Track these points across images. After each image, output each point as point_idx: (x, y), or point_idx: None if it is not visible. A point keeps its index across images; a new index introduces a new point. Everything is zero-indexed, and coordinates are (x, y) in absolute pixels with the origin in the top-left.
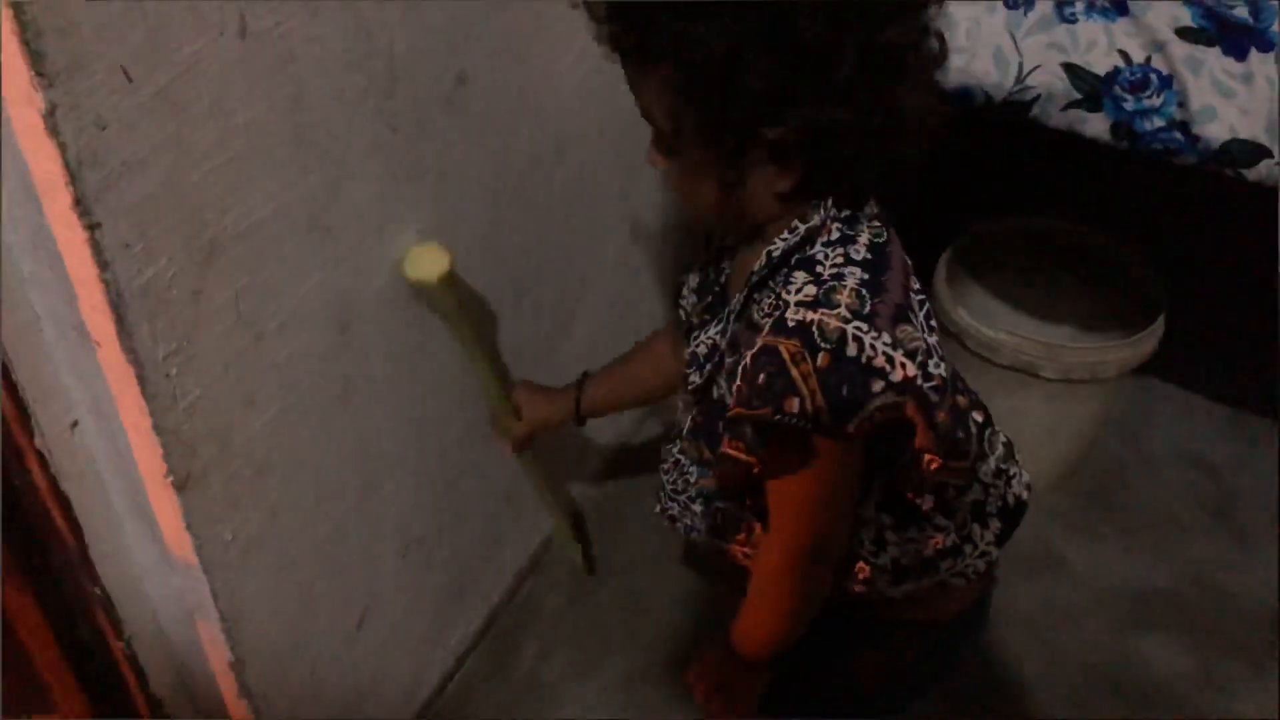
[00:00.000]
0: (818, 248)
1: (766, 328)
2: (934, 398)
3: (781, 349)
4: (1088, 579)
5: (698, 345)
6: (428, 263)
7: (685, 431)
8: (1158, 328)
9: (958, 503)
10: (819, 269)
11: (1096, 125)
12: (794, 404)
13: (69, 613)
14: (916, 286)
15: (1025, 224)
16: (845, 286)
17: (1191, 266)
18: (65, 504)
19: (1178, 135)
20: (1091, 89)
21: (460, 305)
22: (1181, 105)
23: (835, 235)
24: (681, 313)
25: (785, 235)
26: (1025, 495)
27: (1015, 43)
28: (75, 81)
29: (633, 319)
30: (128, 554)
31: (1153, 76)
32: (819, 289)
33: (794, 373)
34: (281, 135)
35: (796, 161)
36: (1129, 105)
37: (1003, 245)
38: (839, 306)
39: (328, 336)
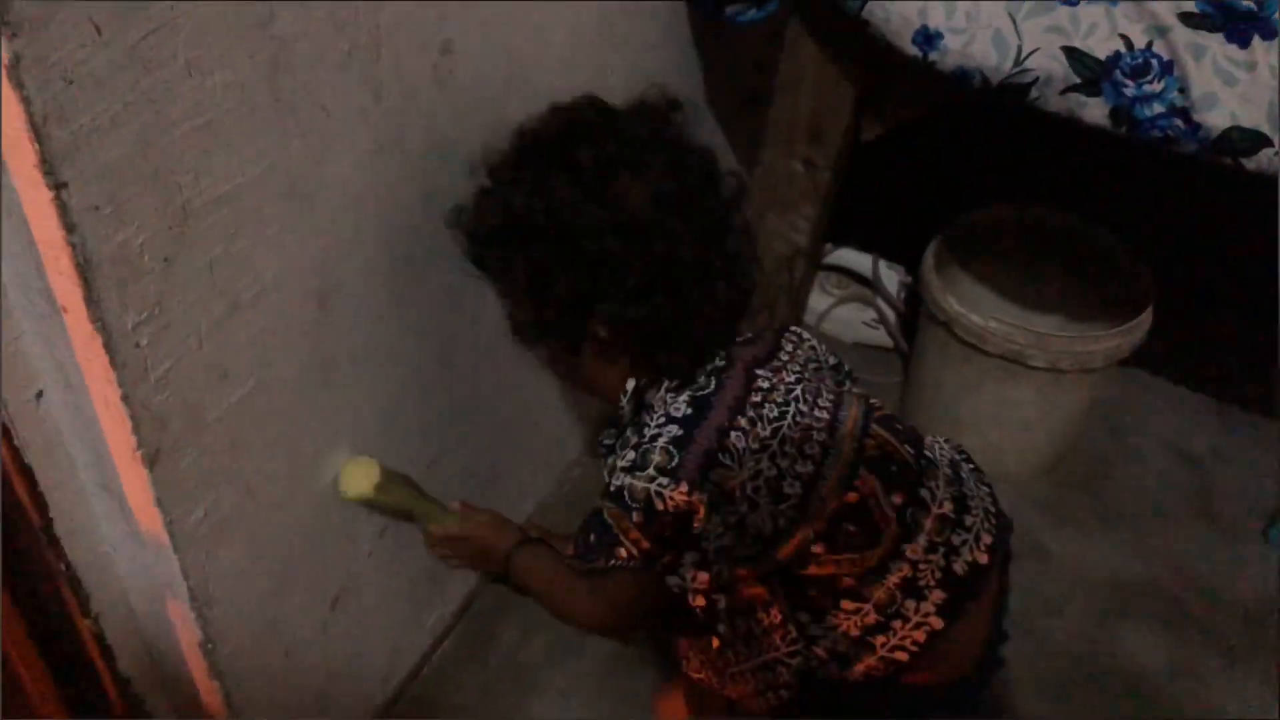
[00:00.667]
0: (654, 406)
1: (598, 502)
2: (743, 508)
3: (605, 513)
4: (1069, 568)
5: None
6: (361, 476)
7: None
8: (1146, 318)
9: (871, 587)
10: (645, 431)
11: (1095, 110)
12: (621, 552)
13: (34, 589)
14: (756, 399)
15: (1016, 212)
16: (657, 446)
17: (1181, 258)
18: (30, 477)
19: (1178, 122)
20: (1091, 73)
21: (404, 493)
22: (1182, 91)
23: (665, 394)
24: None
25: (622, 405)
26: (982, 560)
27: (1015, 25)
28: (42, 33)
29: None
30: (95, 530)
31: (1154, 62)
32: (637, 454)
33: (615, 530)
34: (261, 98)
35: (619, 353)
36: (1129, 91)
37: (993, 233)
38: (649, 468)
39: (307, 310)
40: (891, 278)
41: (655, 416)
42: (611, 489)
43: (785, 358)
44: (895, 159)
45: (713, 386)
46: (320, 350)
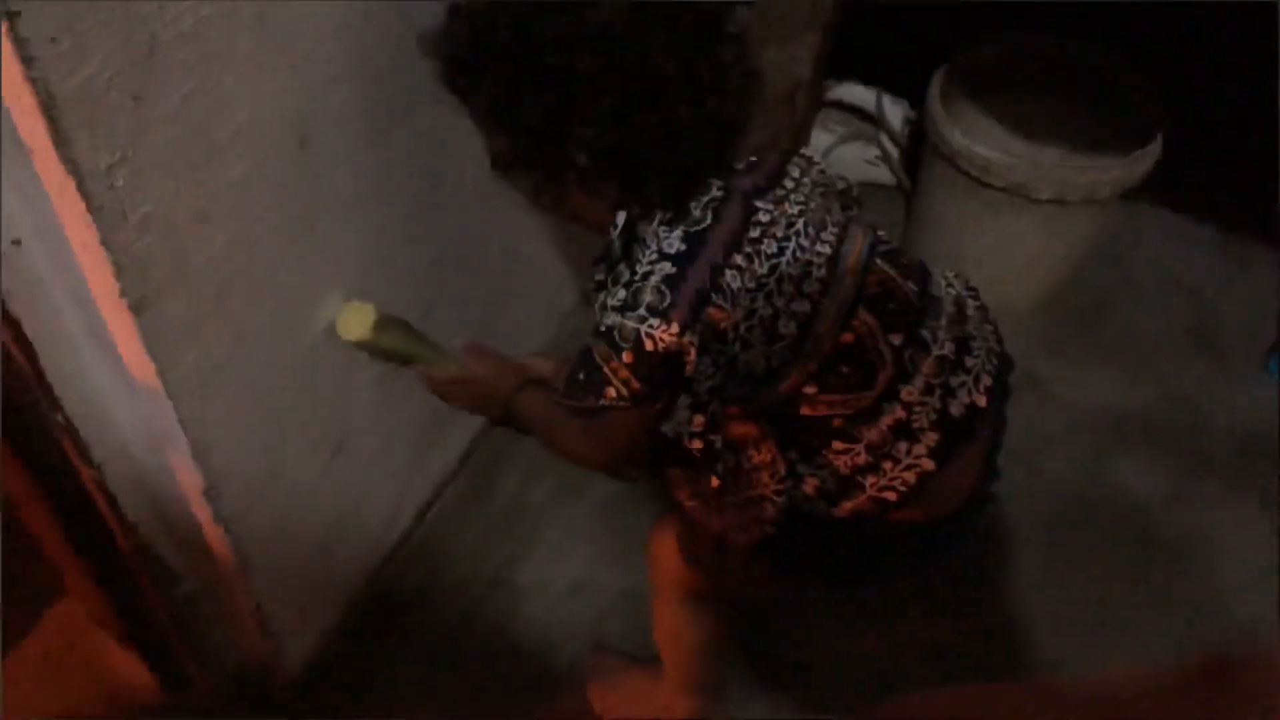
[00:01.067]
0: (646, 240)
1: (591, 330)
2: (735, 348)
3: (595, 353)
4: (1067, 402)
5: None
6: (357, 320)
7: None
8: (1154, 148)
9: (863, 428)
10: (637, 268)
11: None
12: (610, 393)
13: (32, 438)
14: (755, 235)
15: (1023, 42)
16: (648, 284)
17: (1189, 89)
18: (16, 326)
19: None
20: None
21: (403, 337)
22: None
23: (658, 227)
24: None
25: (612, 239)
26: (980, 402)
27: None
28: None
29: None
30: (89, 379)
31: None
32: (628, 292)
33: (605, 371)
34: None
35: (603, 183)
36: None
37: (1001, 65)
38: (639, 307)
39: (287, 151)
40: (896, 113)
41: (647, 252)
42: (601, 328)
43: (790, 185)
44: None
45: (709, 220)
46: (303, 193)
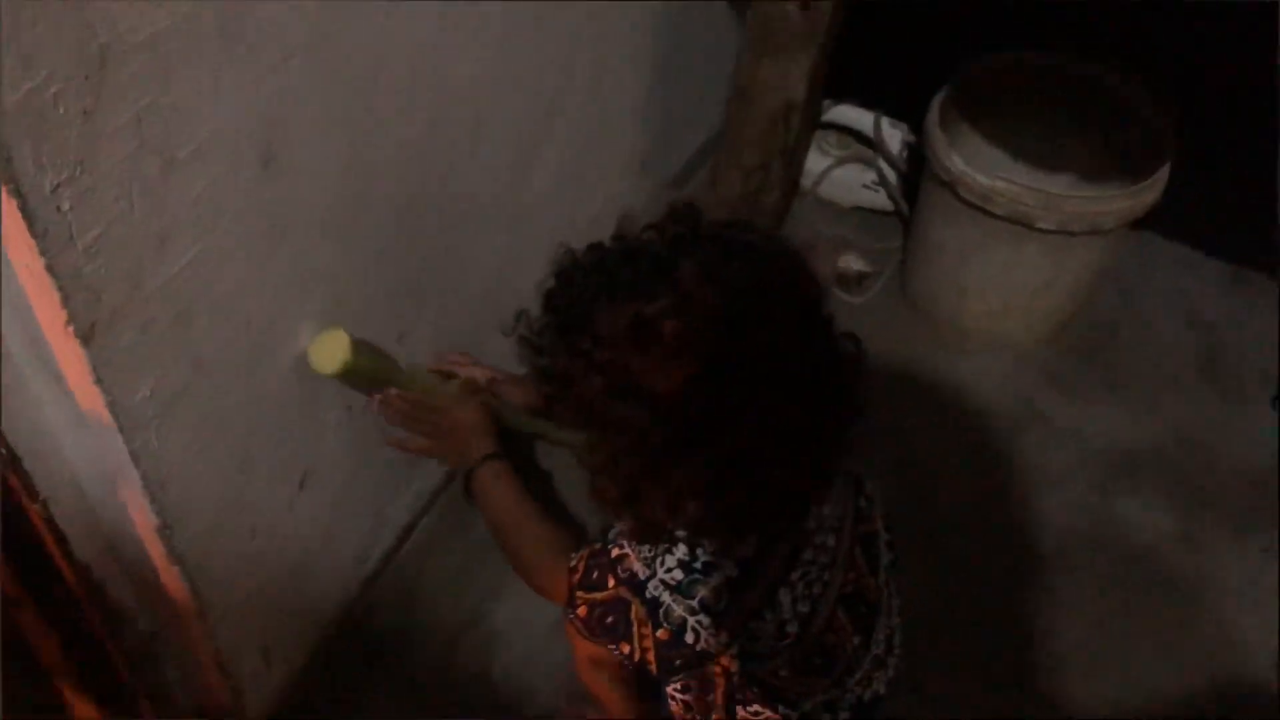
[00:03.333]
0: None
1: (628, 579)
2: (760, 666)
3: (633, 609)
4: (1073, 438)
5: None
6: (330, 352)
7: None
8: (1161, 177)
9: (804, 701)
10: (698, 552)
11: None
12: (625, 648)
13: None
14: (808, 557)
15: (1026, 59)
16: (710, 582)
17: (1197, 116)
18: None
19: None
20: None
21: (378, 365)
22: None
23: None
24: None
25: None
26: (883, 691)
27: None
28: None
29: (597, 164)
30: (35, 410)
31: None
32: (685, 576)
33: (634, 629)
34: None
35: (687, 501)
36: None
37: (1003, 84)
38: (694, 598)
39: (251, 168)
40: (894, 136)
41: (710, 547)
42: (647, 594)
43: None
44: (898, 6)
45: (762, 554)
46: (269, 213)
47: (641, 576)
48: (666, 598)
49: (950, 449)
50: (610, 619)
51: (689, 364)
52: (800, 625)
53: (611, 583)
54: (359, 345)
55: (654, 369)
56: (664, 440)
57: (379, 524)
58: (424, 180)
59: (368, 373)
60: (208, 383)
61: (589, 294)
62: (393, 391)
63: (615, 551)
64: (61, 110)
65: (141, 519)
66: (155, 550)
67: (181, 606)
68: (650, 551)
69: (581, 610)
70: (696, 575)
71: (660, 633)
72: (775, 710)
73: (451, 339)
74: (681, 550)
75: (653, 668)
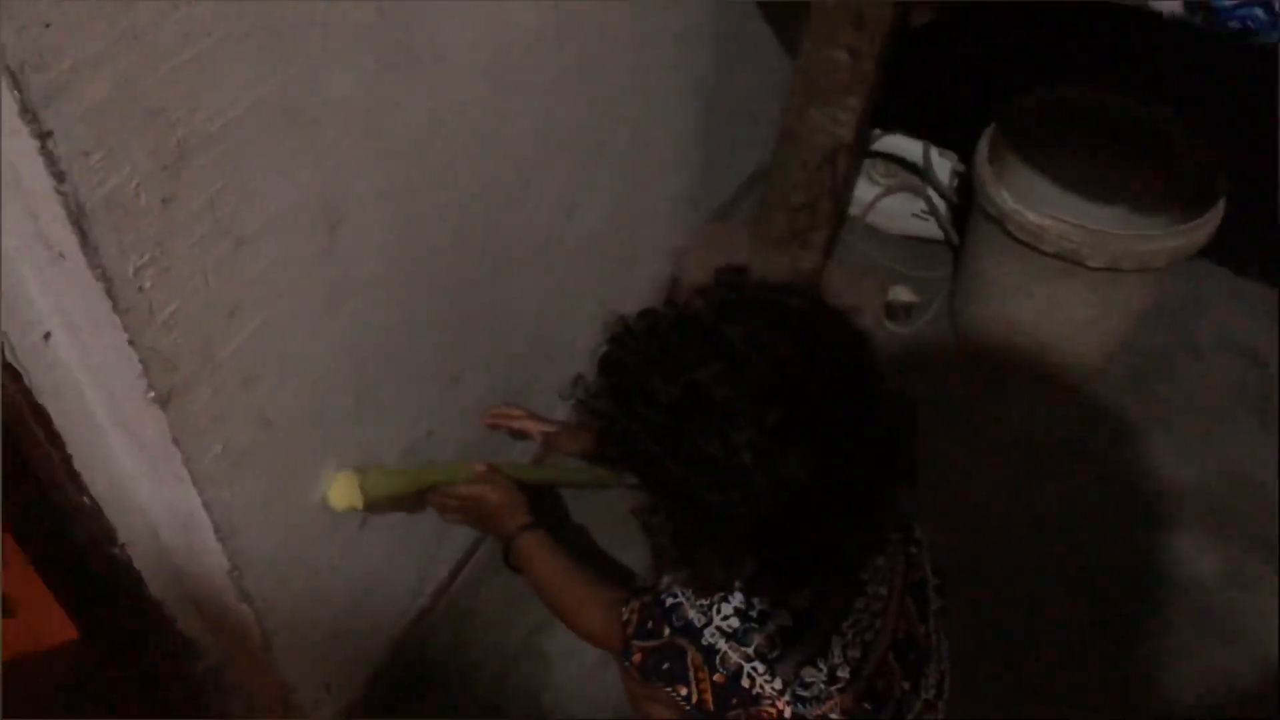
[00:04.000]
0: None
1: (683, 627)
2: (810, 709)
3: (689, 656)
4: (1119, 474)
5: None
6: (344, 490)
7: None
8: (1214, 214)
9: None
10: (754, 600)
11: (1169, 2)
12: (683, 690)
13: (58, 524)
14: (860, 605)
15: (1078, 95)
16: (765, 631)
17: (1252, 147)
18: (44, 416)
19: (1258, 12)
20: None
21: (394, 484)
22: None
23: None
24: None
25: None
26: None
27: None
28: None
29: (644, 202)
30: (115, 465)
31: None
32: (742, 624)
33: (691, 674)
34: (251, 23)
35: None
36: None
37: (1053, 118)
38: (749, 646)
39: (315, 239)
40: (943, 166)
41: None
42: (703, 641)
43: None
44: (949, 39)
45: (816, 606)
46: (330, 280)
47: (698, 624)
48: (722, 644)
49: (996, 484)
50: (666, 665)
51: (742, 428)
52: (851, 671)
53: (666, 631)
54: (371, 477)
55: (707, 434)
56: (720, 502)
57: (433, 559)
58: (473, 232)
59: (387, 497)
60: (271, 438)
61: (642, 360)
62: (436, 494)
63: (669, 601)
64: (143, 200)
65: (213, 562)
66: (225, 590)
67: (248, 641)
68: (706, 600)
69: (637, 657)
70: (752, 624)
71: (717, 677)
72: None
73: (504, 379)
74: (738, 599)
75: (710, 709)
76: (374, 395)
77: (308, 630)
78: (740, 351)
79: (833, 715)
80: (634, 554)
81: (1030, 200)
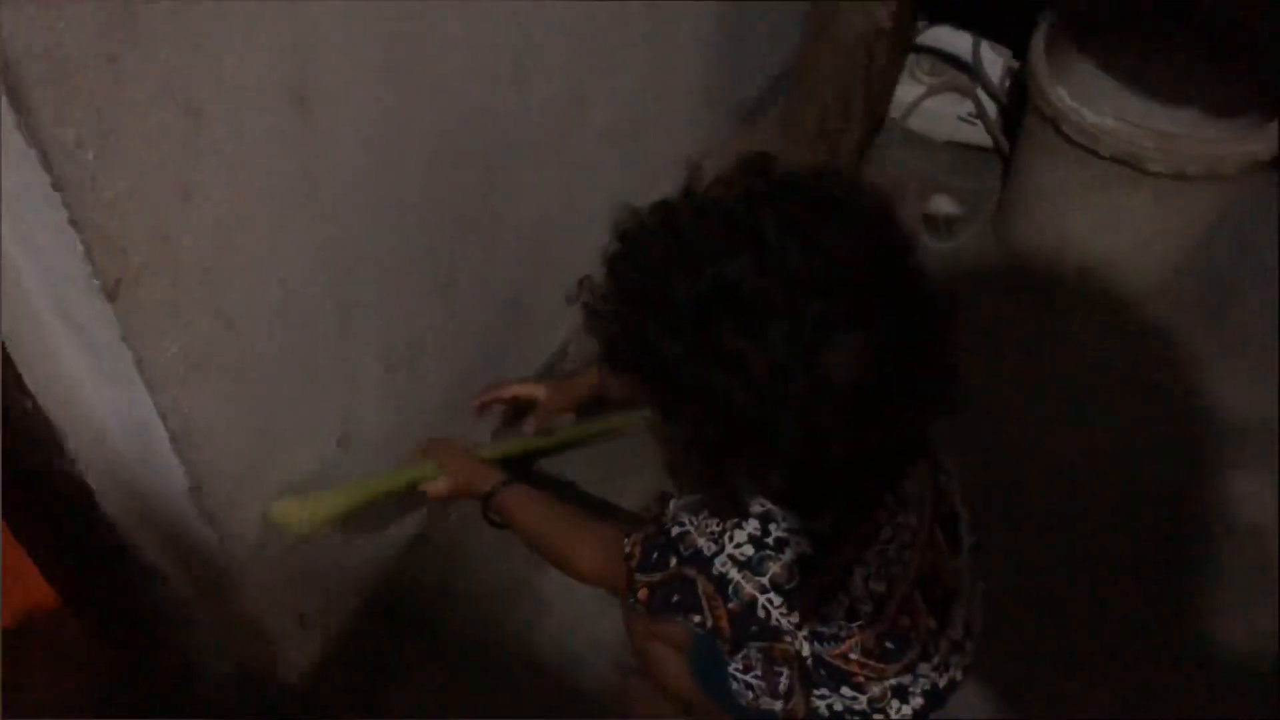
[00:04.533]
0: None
1: (691, 556)
2: (829, 648)
3: (699, 586)
4: (1178, 405)
5: None
6: (294, 515)
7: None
8: None
9: (872, 684)
10: (770, 527)
11: None
12: (696, 617)
13: None
14: (885, 535)
15: None
16: (781, 559)
17: None
18: None
19: None
20: None
21: (346, 502)
22: None
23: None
24: None
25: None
26: (959, 677)
27: None
28: None
29: (661, 99)
30: (61, 366)
31: None
32: (756, 551)
33: (704, 602)
34: None
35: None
36: None
37: (1117, 8)
38: (764, 576)
39: (283, 116)
40: (995, 63)
41: (786, 520)
42: (714, 570)
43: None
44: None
45: (839, 534)
46: (301, 164)
47: (708, 553)
48: (735, 574)
49: (1042, 416)
50: (676, 597)
51: (777, 324)
52: (874, 607)
53: (673, 562)
54: (315, 502)
55: (737, 331)
56: (751, 406)
57: None
58: (467, 122)
59: (339, 517)
60: (238, 339)
61: (659, 255)
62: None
63: (675, 530)
64: (85, 58)
65: (171, 479)
66: (186, 510)
67: (214, 568)
68: (718, 526)
69: (643, 593)
70: (768, 551)
71: (732, 605)
72: (839, 693)
73: (502, 285)
74: (753, 525)
75: (727, 635)
76: (353, 298)
77: (280, 560)
78: (773, 240)
79: (853, 654)
80: (634, 497)
81: (1090, 100)
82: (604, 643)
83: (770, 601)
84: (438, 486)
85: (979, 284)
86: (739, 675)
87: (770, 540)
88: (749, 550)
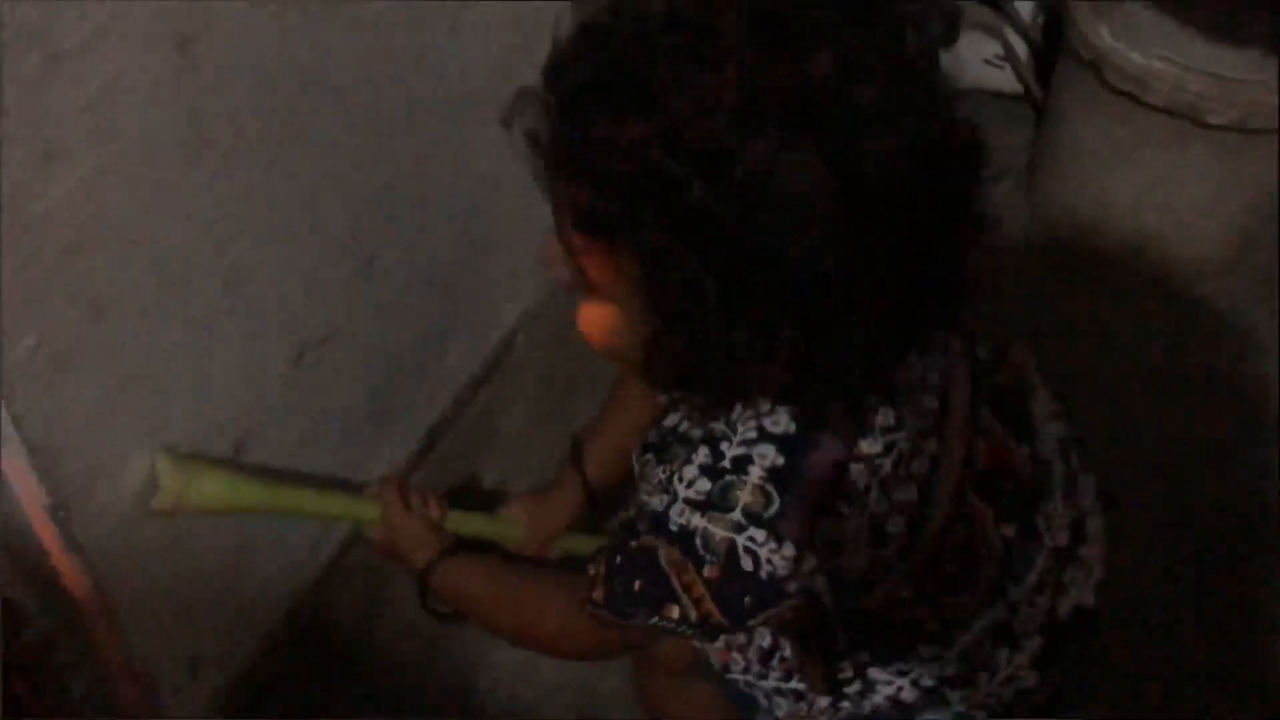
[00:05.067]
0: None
1: (648, 524)
2: (866, 597)
3: (661, 556)
4: (1242, 399)
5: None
6: (174, 480)
7: None
8: None
9: (957, 632)
10: (722, 447)
11: None
12: (673, 611)
13: None
14: (877, 444)
15: None
16: (748, 480)
17: None
18: None
19: None
20: None
21: (240, 498)
22: None
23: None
24: None
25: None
26: (1090, 601)
27: None
28: None
29: None
30: None
31: None
32: (714, 483)
33: (675, 582)
34: None
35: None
36: None
37: None
38: (733, 509)
39: (161, 57)
40: None
41: (737, 421)
42: (671, 526)
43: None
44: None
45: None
46: (182, 118)
47: (660, 508)
48: (698, 520)
49: (1083, 408)
50: (638, 584)
51: (804, 128)
52: (907, 521)
53: (632, 545)
54: (204, 478)
55: (760, 133)
56: (771, 228)
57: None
58: (390, 68)
59: (224, 510)
60: (110, 330)
61: (643, 44)
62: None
63: (634, 513)
64: None
65: (29, 497)
66: (47, 535)
67: (83, 604)
68: (664, 473)
69: (599, 594)
70: (727, 478)
71: (708, 570)
72: (917, 659)
73: (431, 265)
74: (701, 453)
75: (718, 619)
76: (249, 276)
77: (164, 592)
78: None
79: (904, 593)
80: None
81: (1136, 40)
82: (560, 687)
83: (752, 540)
84: (374, 535)
85: (1006, 256)
86: (764, 686)
87: (726, 462)
88: (704, 484)
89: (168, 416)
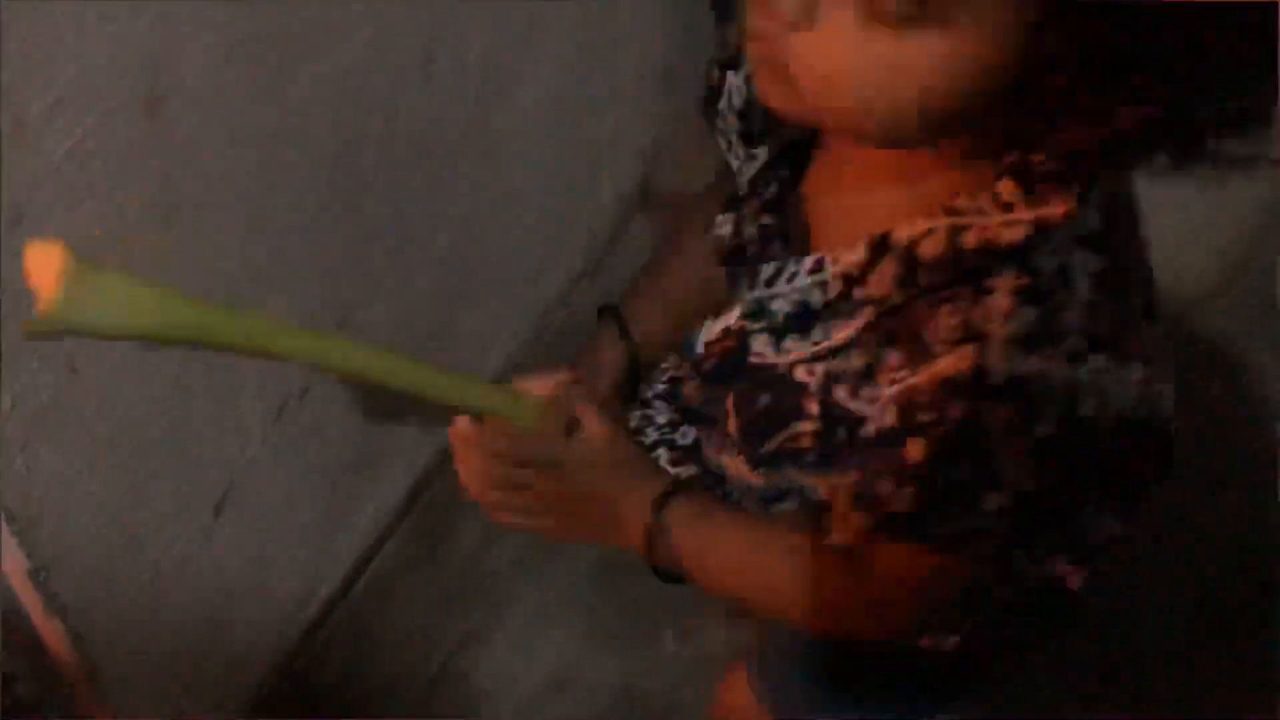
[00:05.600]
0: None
1: (951, 384)
2: None
3: (984, 420)
4: (1238, 431)
5: (764, 293)
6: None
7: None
8: None
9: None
10: (1037, 259)
11: None
12: (993, 501)
13: None
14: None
15: None
16: (1075, 294)
17: None
18: None
19: None
20: None
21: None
22: None
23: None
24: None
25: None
26: None
27: None
28: None
29: (603, 74)
30: None
31: None
32: (1039, 309)
33: (999, 454)
34: None
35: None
36: None
37: None
38: (1066, 337)
39: (131, 119)
40: None
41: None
42: (994, 376)
43: None
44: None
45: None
46: (156, 173)
47: (976, 371)
48: (1034, 364)
49: None
50: (945, 472)
51: None
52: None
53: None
54: (106, 283)
55: None
56: None
57: (324, 554)
58: (364, 117)
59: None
60: (88, 388)
61: None
62: (462, 429)
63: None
64: None
65: (9, 561)
66: (28, 598)
67: (65, 668)
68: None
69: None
70: (1052, 295)
71: (1042, 428)
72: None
73: (412, 318)
74: (1006, 282)
75: (1029, 514)
76: None
77: (149, 653)
78: None
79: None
80: None
81: None
82: None
83: (1103, 373)
84: (544, 452)
85: None
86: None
87: (1046, 274)
88: (1030, 312)
89: (147, 476)
